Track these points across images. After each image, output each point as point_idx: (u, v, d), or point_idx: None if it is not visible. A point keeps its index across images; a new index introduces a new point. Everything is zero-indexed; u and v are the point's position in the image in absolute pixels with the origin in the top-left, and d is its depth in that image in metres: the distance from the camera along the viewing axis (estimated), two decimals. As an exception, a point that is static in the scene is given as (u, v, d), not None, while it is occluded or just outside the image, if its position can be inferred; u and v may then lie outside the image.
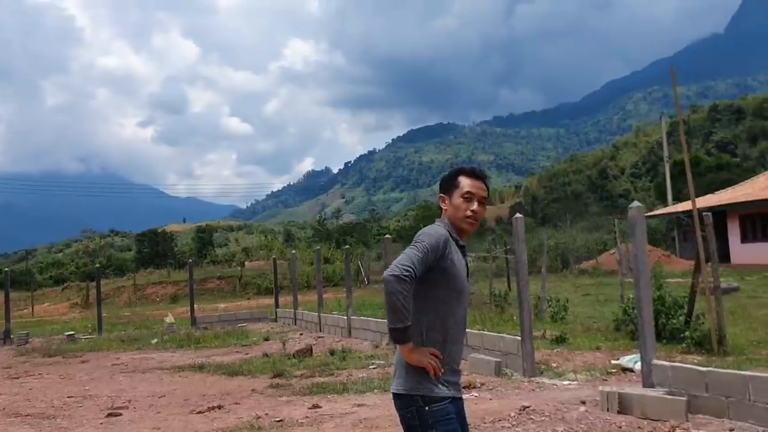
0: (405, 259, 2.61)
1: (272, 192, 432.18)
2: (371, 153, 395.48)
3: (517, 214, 8.49)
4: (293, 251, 22.67)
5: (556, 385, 7.58)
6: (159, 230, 79.40)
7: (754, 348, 9.04)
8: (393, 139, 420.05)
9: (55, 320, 28.84)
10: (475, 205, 2.84)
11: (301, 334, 15.45)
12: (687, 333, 9.22)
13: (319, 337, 14.45)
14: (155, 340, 15.61)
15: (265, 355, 11.33)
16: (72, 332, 17.89)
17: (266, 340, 14.65)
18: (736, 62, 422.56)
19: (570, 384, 7.58)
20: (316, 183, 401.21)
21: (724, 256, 30.89)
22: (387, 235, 14.24)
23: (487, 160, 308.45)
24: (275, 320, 19.81)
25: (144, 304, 36.77)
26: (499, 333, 9.47)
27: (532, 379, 7.90)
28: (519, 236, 8.14)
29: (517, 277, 8.14)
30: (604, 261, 30.62)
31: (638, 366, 7.90)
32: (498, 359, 8.40)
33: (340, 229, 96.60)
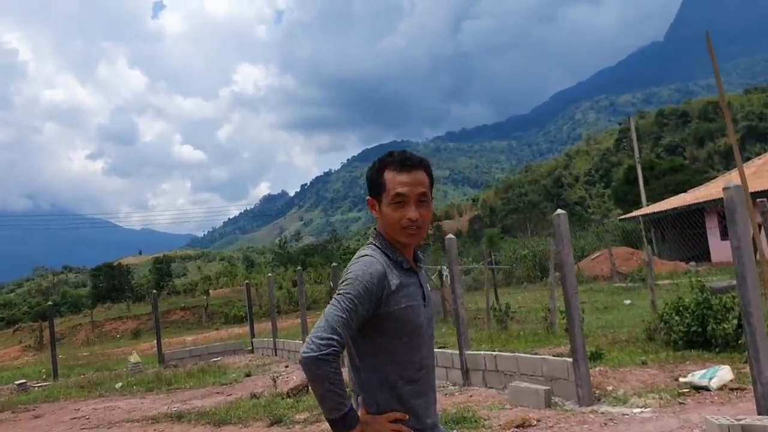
0: (324, 326, 2.00)
1: (229, 218, 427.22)
2: (327, 174, 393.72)
3: (450, 235, 8.90)
4: (269, 274, 20.97)
5: (626, 414, 6.22)
6: (114, 264, 76.54)
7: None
8: (348, 159, 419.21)
9: (6, 366, 26.47)
10: (411, 210, 2.17)
11: (287, 366, 13.83)
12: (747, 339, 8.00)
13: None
14: (120, 384, 13.80)
15: (254, 395, 9.73)
16: (23, 380, 15.89)
17: (248, 375, 13.01)
18: (677, 68, 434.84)
19: (643, 412, 6.23)
20: (273, 207, 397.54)
21: (705, 255, 30.23)
22: (333, 264, 13.40)
23: (443, 176, 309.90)
24: (252, 351, 18.10)
25: (104, 341, 34.41)
26: (536, 353, 8.10)
27: (593, 408, 6.53)
28: (563, 238, 6.80)
29: (564, 286, 6.78)
30: (586, 267, 29.63)
31: (715, 383, 6.63)
32: (545, 386, 7.00)
33: (302, 252, 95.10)
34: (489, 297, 15.19)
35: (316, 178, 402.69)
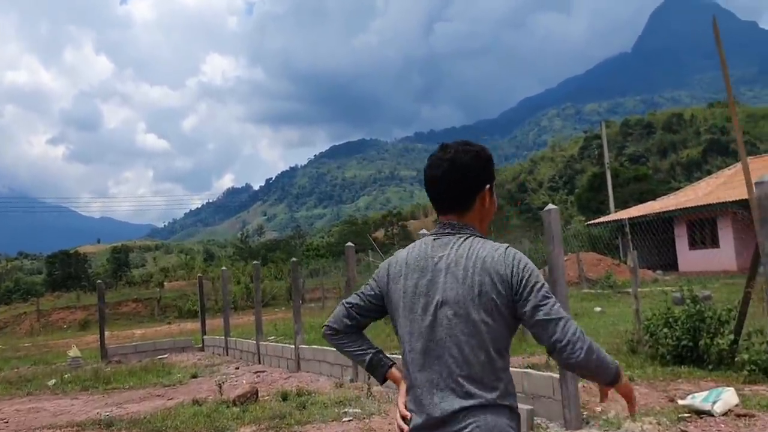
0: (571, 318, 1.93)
1: (191, 210, 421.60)
2: (293, 169, 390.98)
3: (423, 230, 7.05)
4: (223, 267, 19.84)
5: (621, 442, 5.38)
6: (71, 251, 74.38)
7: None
8: (316, 155, 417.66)
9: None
10: None
11: (237, 368, 12.78)
12: (746, 356, 7.25)
13: (259, 372, 11.84)
14: (53, 381, 12.60)
15: (196, 402, 8.69)
16: (-51, 373, 14.58)
17: (194, 377, 11.93)
18: (643, 80, 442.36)
19: (641, 440, 5.39)
20: (236, 200, 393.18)
21: (673, 264, 29.92)
22: (294, 259, 12.81)
23: (410, 176, 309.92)
24: (202, 349, 16.97)
25: (49, 332, 32.77)
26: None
27: (582, 432, 5.68)
28: (554, 237, 5.94)
29: (553, 291, 5.89)
30: (552, 272, 29.04)
31: (719, 408, 5.82)
32: (528, 405, 6.12)
33: (264, 247, 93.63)
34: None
35: (282, 172, 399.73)
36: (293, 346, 11.64)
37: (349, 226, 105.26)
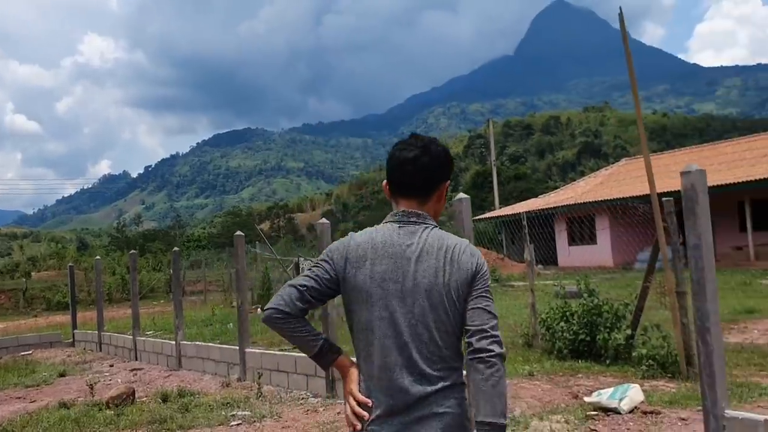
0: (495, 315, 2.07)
1: (63, 197, 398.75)
2: (174, 157, 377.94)
3: (323, 220, 6.85)
4: (97, 257, 18.41)
5: (531, 442, 5.13)
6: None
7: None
8: (198, 143, 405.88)
9: None
10: None
11: (112, 365, 11.76)
12: (644, 351, 7.26)
13: (135, 370, 10.92)
14: None
15: (63, 404, 7.78)
16: None
17: (62, 375, 10.83)
18: (523, 83, 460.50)
19: (550, 440, 5.17)
20: (113, 188, 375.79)
21: (553, 259, 30.96)
22: (175, 248, 12.04)
23: (297, 167, 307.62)
24: (72, 344, 15.64)
25: None
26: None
27: None
28: (465, 227, 5.61)
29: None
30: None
31: (626, 405, 5.73)
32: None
33: (141, 236, 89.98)
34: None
35: (162, 160, 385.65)
36: (174, 342, 10.81)
37: (233, 217, 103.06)
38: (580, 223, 29.86)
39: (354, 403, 2.04)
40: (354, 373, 2.09)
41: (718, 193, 21.80)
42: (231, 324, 13.65)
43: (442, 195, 2.19)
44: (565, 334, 8.24)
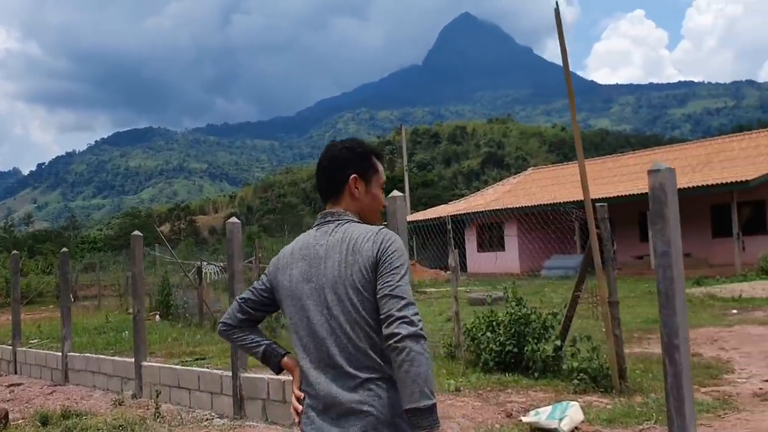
0: (413, 303, 2.01)
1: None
2: (70, 155, 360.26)
3: (233, 219, 6.24)
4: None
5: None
6: None
7: (648, 381, 6.99)
8: (97, 141, 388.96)
9: None
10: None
11: (-14, 380, 10.48)
12: (574, 364, 6.91)
13: (14, 386, 9.71)
14: None
15: None
16: None
17: (-76, 393, 9.51)
18: (431, 92, 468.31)
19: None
20: (1, 185, 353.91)
21: (462, 265, 31.05)
22: (64, 249, 11.27)
23: (200, 168, 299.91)
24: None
25: None
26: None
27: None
28: (400, 225, 5.04)
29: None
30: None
31: (566, 425, 5.30)
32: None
33: (31, 237, 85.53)
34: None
35: (57, 157, 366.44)
36: (60, 354, 9.69)
37: (132, 218, 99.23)
38: (490, 229, 30.09)
39: (293, 399, 2.11)
40: (297, 371, 2.12)
41: (621, 203, 22.39)
42: (126, 332, 12.55)
43: (353, 189, 2.16)
44: (491, 345, 7.80)
